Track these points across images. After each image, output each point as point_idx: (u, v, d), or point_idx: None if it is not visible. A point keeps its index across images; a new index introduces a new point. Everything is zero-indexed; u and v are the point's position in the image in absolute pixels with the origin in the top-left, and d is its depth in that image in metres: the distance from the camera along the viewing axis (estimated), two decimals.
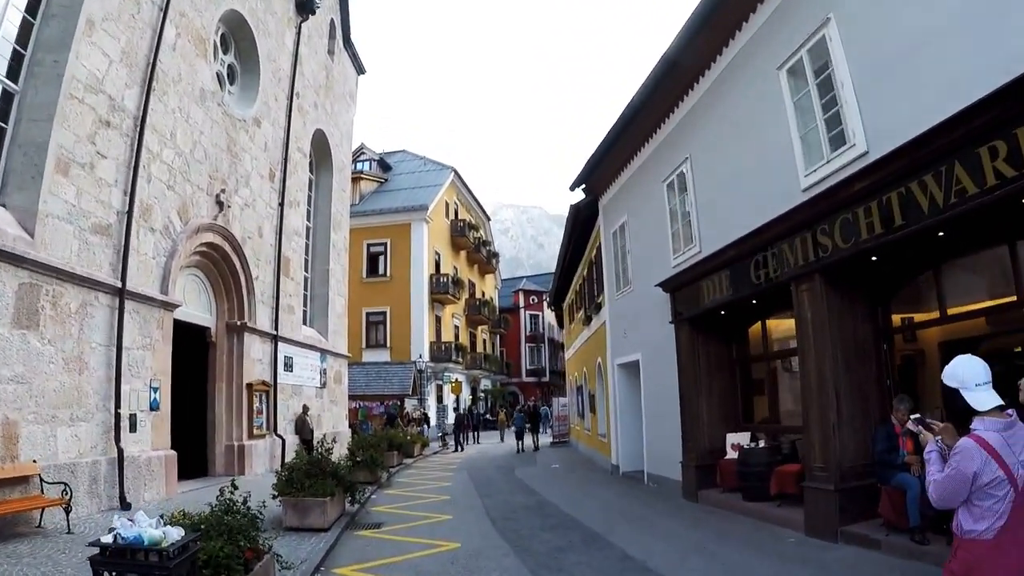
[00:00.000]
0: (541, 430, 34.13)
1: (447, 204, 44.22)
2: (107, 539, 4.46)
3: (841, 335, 9.08)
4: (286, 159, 20.15)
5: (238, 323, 16.84)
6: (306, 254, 23.31)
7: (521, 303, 63.11)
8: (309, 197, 24.07)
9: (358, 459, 15.71)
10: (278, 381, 18.66)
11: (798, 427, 11.23)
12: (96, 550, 4.54)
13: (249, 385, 16.94)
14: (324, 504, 9.89)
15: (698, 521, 10.58)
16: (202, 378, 16.56)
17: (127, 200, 12.26)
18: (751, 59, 10.87)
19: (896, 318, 9.51)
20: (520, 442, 29.47)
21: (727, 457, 11.89)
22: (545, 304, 65.49)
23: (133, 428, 12.21)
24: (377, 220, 39.20)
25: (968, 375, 3.34)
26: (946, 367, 3.46)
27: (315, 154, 24.37)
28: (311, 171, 24.30)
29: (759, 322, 12.26)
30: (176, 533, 4.68)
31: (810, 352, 9.26)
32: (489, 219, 55.37)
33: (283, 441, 18.35)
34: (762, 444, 11.27)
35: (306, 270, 23.32)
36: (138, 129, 12.64)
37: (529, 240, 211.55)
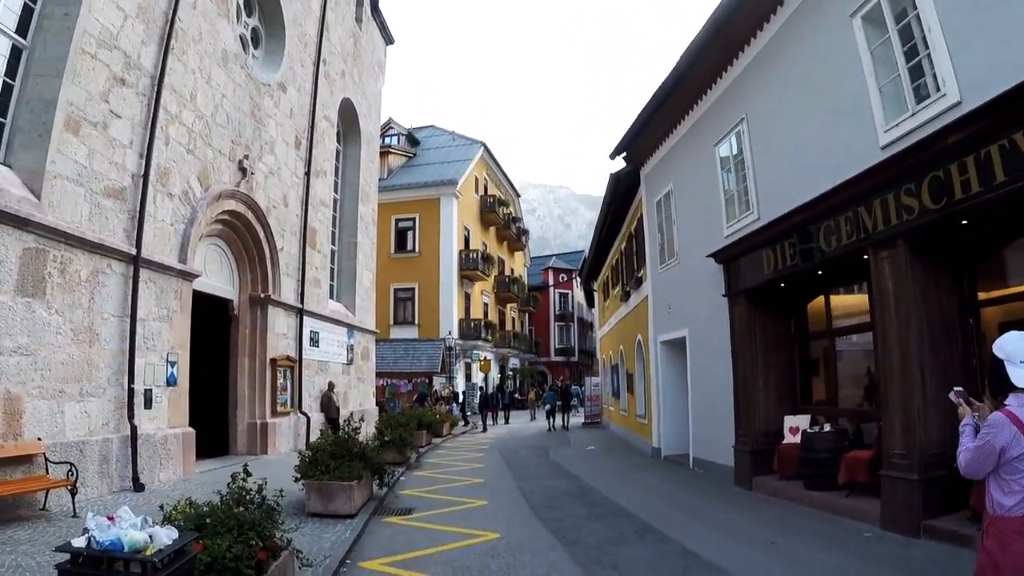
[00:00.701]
0: (572, 410, 34.62)
1: (476, 179, 43.25)
2: (79, 542, 3.65)
3: (926, 308, 8.10)
4: (312, 127, 19.35)
5: (262, 295, 16.13)
6: (333, 226, 22.56)
7: (550, 281, 62.21)
8: (336, 168, 23.30)
9: (386, 439, 15.01)
10: (303, 357, 17.97)
11: (857, 410, 10.62)
12: (67, 555, 3.71)
13: (273, 360, 16.26)
14: (351, 488, 9.11)
15: (757, 511, 9.68)
16: (224, 353, 15.93)
17: (143, 163, 11.52)
18: (818, 8, 9.82)
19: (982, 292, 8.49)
20: (551, 420, 29.53)
21: (785, 442, 10.96)
22: (575, 283, 64.73)
23: (148, 404, 11.55)
24: (406, 195, 38.36)
25: (1015, 350, 3.37)
26: (998, 338, 3.47)
27: (342, 124, 23.54)
28: (338, 141, 23.49)
29: (821, 296, 11.26)
30: (166, 536, 3.84)
31: (891, 327, 8.26)
32: (519, 195, 54.31)
33: (308, 419, 17.69)
34: (827, 428, 10.28)
35: (333, 243, 22.58)
36: (155, 89, 11.89)
37: (556, 220, 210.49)
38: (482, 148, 43.93)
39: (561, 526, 9.03)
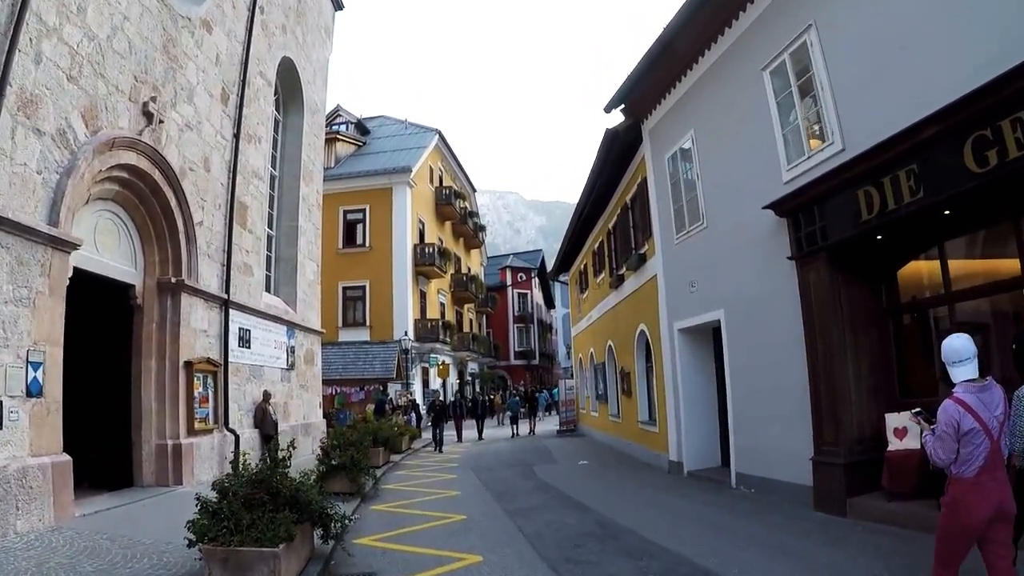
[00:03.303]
0: (541, 416, 33.98)
1: (431, 169, 39.89)
2: None
3: None
4: (244, 81, 15.84)
5: (173, 280, 12.55)
6: (270, 208, 19.06)
7: (508, 281, 59.12)
8: (276, 141, 19.83)
9: (334, 463, 11.66)
10: (230, 360, 14.39)
11: None
12: None
13: (189, 364, 12.68)
14: (274, 559, 5.70)
15: (886, 552, 6.62)
16: (122, 353, 12.31)
17: None
18: None
19: None
20: (515, 426, 28.64)
21: (894, 447, 8.00)
22: (534, 282, 61.95)
23: None
24: (355, 184, 34.80)
25: (946, 353, 4.47)
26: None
27: (283, 89, 20.13)
28: (278, 110, 20.04)
29: (932, 249, 8.34)
30: None
31: None
32: (475, 190, 50.91)
33: (237, 437, 14.08)
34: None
35: (270, 227, 19.05)
36: None
37: (505, 226, 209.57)
38: (437, 136, 40.58)
39: None
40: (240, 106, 15.60)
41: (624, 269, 17.38)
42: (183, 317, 12.71)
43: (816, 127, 9.23)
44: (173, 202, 12.53)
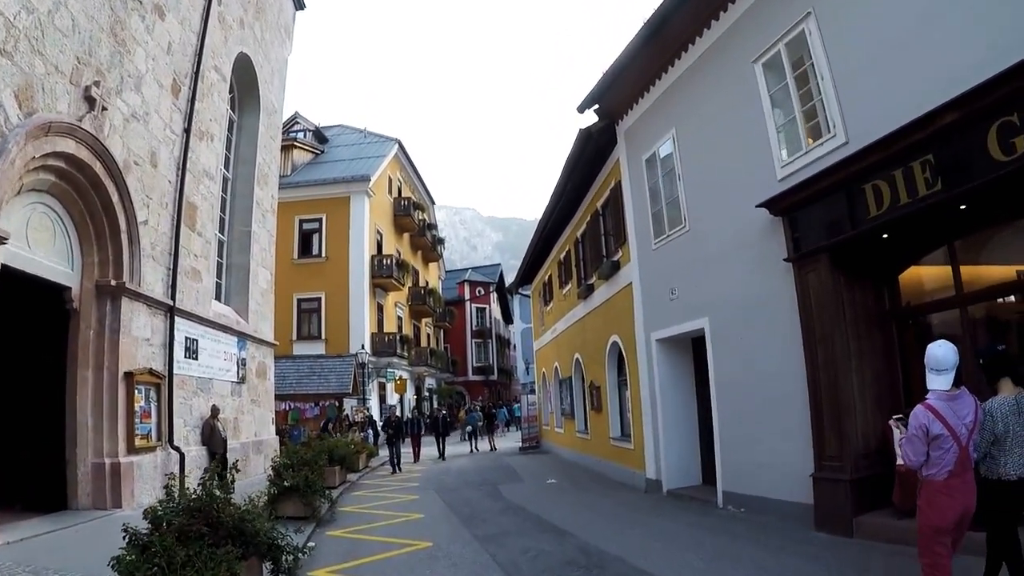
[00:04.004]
0: (500, 432, 34.71)
1: (390, 179, 38.90)
2: None
3: None
4: (198, 74, 14.89)
5: (113, 283, 11.49)
6: (222, 211, 18.01)
7: (466, 295, 58.22)
8: (229, 140, 18.80)
9: (286, 484, 10.70)
10: (175, 371, 13.33)
11: None
12: None
13: (130, 375, 11.59)
14: None
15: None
16: (57, 362, 11.20)
17: None
18: None
19: None
20: (473, 441, 28.80)
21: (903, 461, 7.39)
22: (492, 297, 61.16)
23: None
24: (312, 192, 33.67)
25: (931, 361, 4.65)
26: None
27: (239, 87, 19.15)
28: (233, 109, 19.04)
29: (942, 249, 7.78)
30: None
31: None
32: (434, 202, 49.98)
33: (182, 456, 12.98)
34: None
35: (221, 232, 17.99)
36: None
37: (462, 242, 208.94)
38: (396, 146, 39.64)
39: None
40: (192, 99, 14.63)
41: (594, 278, 16.67)
42: (124, 324, 11.65)
43: (813, 120, 8.66)
44: (115, 198, 11.52)
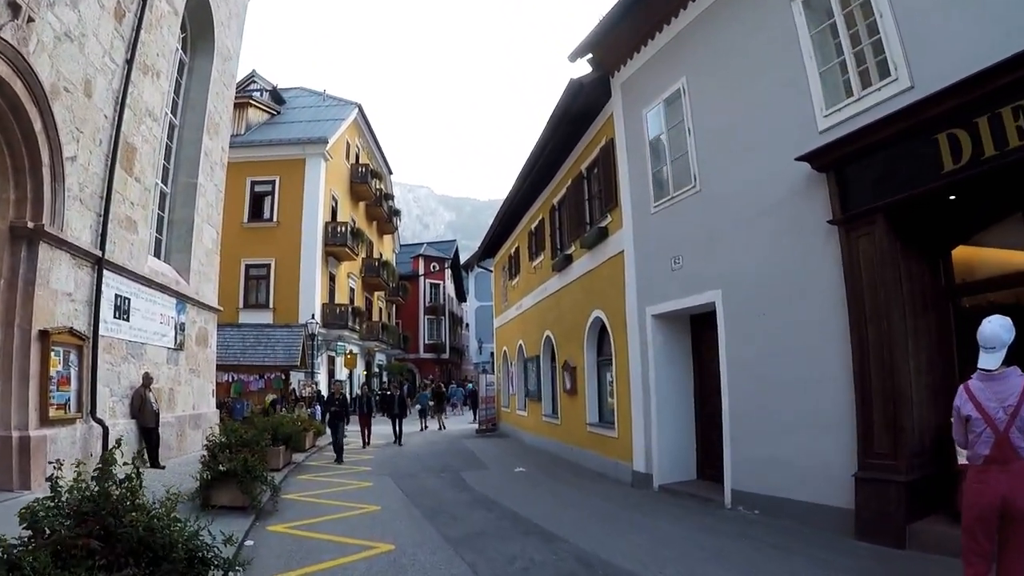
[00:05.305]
0: (457, 411, 37.23)
1: (348, 145, 36.99)
2: None
3: None
4: (146, 1, 13.10)
5: (30, 225, 9.76)
6: (166, 160, 16.23)
7: (420, 270, 56.59)
8: (179, 85, 16.98)
9: (222, 468, 9.18)
10: (101, 332, 11.62)
11: None
12: None
13: (45, 333, 9.93)
14: None
15: None
16: None
17: None
18: None
19: None
20: (423, 420, 29.12)
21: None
22: (447, 274, 59.62)
23: None
24: (266, 153, 31.64)
25: (980, 337, 4.38)
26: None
27: (192, 26, 17.27)
28: (185, 51, 17.19)
29: (1012, 217, 6.72)
30: None
31: None
32: (392, 172, 48.06)
33: (105, 430, 11.33)
34: None
35: (164, 182, 16.23)
36: None
37: (415, 220, 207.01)
38: (357, 110, 37.69)
39: None
40: (137, 28, 12.84)
41: (574, 248, 15.32)
42: (41, 274, 9.96)
43: (863, 65, 7.49)
44: (38, 125, 9.79)
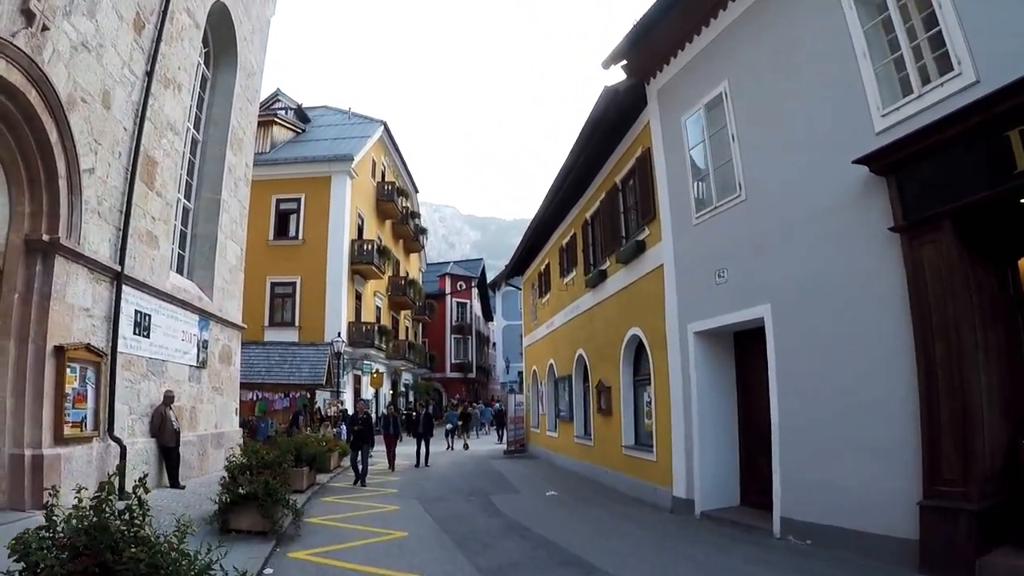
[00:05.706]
0: (485, 431, 38.30)
1: (374, 162, 36.88)
2: None
3: None
4: (165, 12, 12.88)
5: (46, 239, 9.45)
6: (189, 176, 16.02)
7: (447, 289, 56.22)
8: (202, 100, 16.80)
9: (242, 491, 8.70)
10: (120, 349, 11.29)
11: None
12: None
13: (61, 349, 9.61)
14: None
15: None
16: None
17: None
18: None
19: None
20: (450, 439, 29.12)
21: None
22: (473, 293, 59.25)
23: None
24: (291, 171, 31.56)
25: None
26: None
27: (215, 41, 17.16)
28: (208, 65, 17.05)
29: None
30: None
31: None
32: (418, 191, 47.92)
33: (123, 449, 10.97)
34: None
35: (187, 197, 16.00)
36: None
37: (441, 239, 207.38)
38: (382, 128, 37.59)
39: None
40: (157, 40, 12.64)
41: (609, 263, 14.80)
42: (57, 288, 9.64)
43: (921, 61, 6.98)
44: (54, 136, 9.52)
